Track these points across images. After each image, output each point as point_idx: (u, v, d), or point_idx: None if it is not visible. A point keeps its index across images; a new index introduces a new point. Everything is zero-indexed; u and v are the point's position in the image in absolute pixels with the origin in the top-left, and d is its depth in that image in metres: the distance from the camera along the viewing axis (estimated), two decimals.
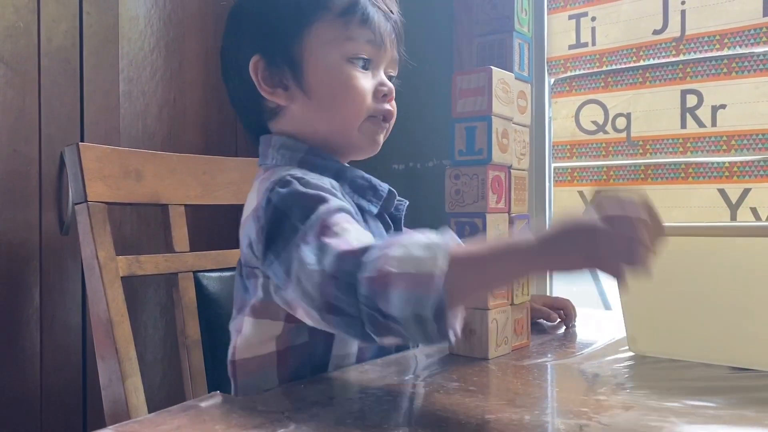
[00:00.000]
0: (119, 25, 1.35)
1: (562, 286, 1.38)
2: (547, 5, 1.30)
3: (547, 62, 1.30)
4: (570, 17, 1.27)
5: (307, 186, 0.68)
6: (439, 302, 0.53)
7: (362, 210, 0.76)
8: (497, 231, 0.77)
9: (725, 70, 1.10)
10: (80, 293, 1.26)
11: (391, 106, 0.81)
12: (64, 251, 1.24)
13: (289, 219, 0.66)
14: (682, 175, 1.14)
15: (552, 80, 1.30)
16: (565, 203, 1.28)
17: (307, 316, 0.63)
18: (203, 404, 0.57)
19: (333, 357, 0.74)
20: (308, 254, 0.61)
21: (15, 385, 1.19)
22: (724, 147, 1.10)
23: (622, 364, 0.74)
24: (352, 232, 0.62)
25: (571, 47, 1.27)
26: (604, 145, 1.23)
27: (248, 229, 0.71)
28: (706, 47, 1.12)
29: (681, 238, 0.72)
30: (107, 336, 0.93)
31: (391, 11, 0.80)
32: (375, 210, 0.78)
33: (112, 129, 1.33)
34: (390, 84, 0.80)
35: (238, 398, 0.59)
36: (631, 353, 0.78)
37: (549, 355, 0.79)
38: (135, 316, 1.32)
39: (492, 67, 0.75)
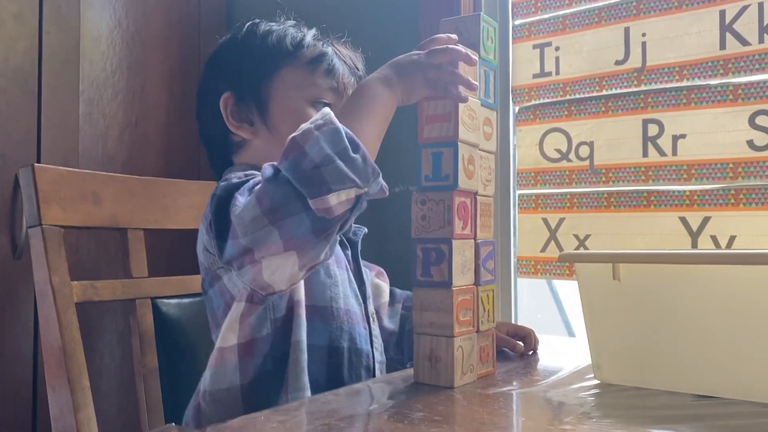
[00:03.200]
0: (81, 45, 1.33)
1: (527, 313, 1.38)
2: (512, 34, 1.31)
3: (512, 90, 1.31)
4: (534, 46, 1.28)
5: (247, 175, 0.73)
6: (344, 132, 0.63)
7: None
8: (463, 257, 0.77)
9: (685, 100, 1.13)
10: (33, 321, 1.22)
11: None
12: (17, 277, 1.20)
13: (230, 203, 0.68)
14: (644, 203, 1.16)
15: (517, 108, 1.31)
16: (529, 230, 1.28)
17: (266, 250, 0.64)
18: None
19: (293, 344, 0.77)
20: (248, 187, 0.68)
21: None
22: (685, 176, 1.12)
23: (587, 393, 0.73)
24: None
25: (535, 76, 1.28)
26: (567, 172, 1.24)
27: (200, 235, 0.76)
28: (666, 78, 1.14)
29: (644, 266, 0.73)
30: (59, 365, 0.89)
31: (356, 67, 0.89)
32: None
33: (71, 151, 1.30)
34: None
35: (190, 428, 0.56)
36: (596, 381, 0.78)
37: (515, 383, 0.78)
38: (90, 345, 1.27)
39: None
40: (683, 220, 1.12)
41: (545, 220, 1.27)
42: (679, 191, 1.13)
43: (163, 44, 1.48)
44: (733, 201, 1.08)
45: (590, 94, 1.22)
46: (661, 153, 1.14)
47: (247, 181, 0.71)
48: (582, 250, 0.88)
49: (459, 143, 0.75)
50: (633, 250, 1.08)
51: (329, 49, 0.88)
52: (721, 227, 1.09)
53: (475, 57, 0.77)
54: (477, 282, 0.80)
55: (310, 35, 0.89)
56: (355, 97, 0.73)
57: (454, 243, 0.75)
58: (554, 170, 1.26)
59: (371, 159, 0.65)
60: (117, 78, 1.39)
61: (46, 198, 0.92)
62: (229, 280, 0.76)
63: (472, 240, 0.79)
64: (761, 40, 1.07)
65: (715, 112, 1.10)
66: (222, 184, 0.73)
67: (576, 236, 1.23)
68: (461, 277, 0.76)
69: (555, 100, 1.26)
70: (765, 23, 1.06)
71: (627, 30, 1.18)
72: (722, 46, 1.10)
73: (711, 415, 0.64)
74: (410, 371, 0.79)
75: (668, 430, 0.59)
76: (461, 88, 0.73)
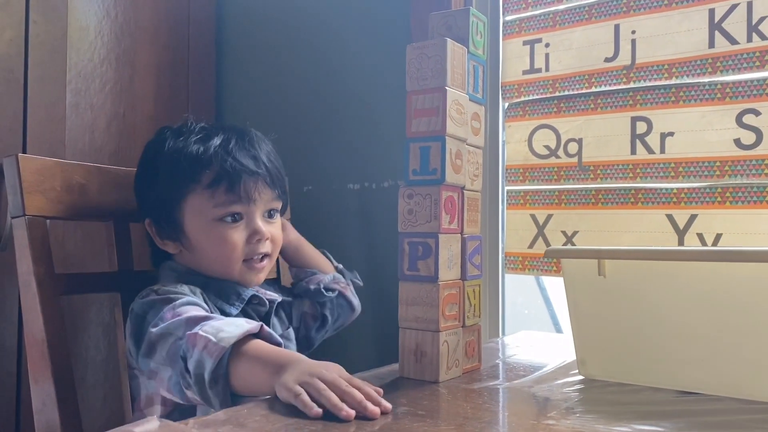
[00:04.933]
0: (68, 35, 1.31)
1: (514, 309, 1.39)
2: (503, 30, 1.31)
3: (502, 86, 1.31)
4: (524, 43, 1.28)
5: (161, 293, 0.84)
6: (216, 370, 0.68)
7: (224, 312, 0.90)
8: (450, 252, 0.76)
9: (673, 98, 1.13)
10: (17, 313, 1.21)
11: (266, 247, 0.93)
12: (0, 268, 1.19)
13: (145, 320, 0.82)
14: (632, 200, 1.16)
15: (506, 104, 1.31)
16: (517, 226, 1.28)
17: (167, 380, 0.78)
18: (137, 429, 0.54)
19: None
20: (166, 327, 0.77)
21: None
22: (672, 173, 1.12)
23: (572, 388, 0.73)
24: (192, 312, 0.78)
25: (525, 72, 1.28)
26: (556, 169, 1.24)
27: (126, 341, 0.88)
28: (655, 76, 1.14)
29: (629, 262, 0.73)
30: (42, 357, 0.88)
31: (257, 160, 0.93)
32: (235, 311, 0.92)
33: (57, 142, 1.29)
34: (262, 230, 0.92)
35: (174, 423, 0.56)
36: (580, 377, 0.78)
37: (500, 378, 0.78)
38: (76, 337, 1.27)
39: (447, 87, 0.75)
40: (670, 217, 1.13)
41: (533, 216, 1.27)
42: (666, 189, 1.13)
43: (151, 35, 1.47)
44: (719, 199, 1.08)
45: (579, 91, 1.22)
46: (649, 150, 1.15)
47: (163, 308, 0.81)
48: (568, 246, 0.88)
49: (447, 137, 0.75)
50: (620, 246, 1.08)
51: (228, 164, 0.90)
52: (708, 225, 1.09)
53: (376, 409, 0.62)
54: (463, 277, 0.80)
55: (212, 148, 0.91)
56: (267, 364, 0.69)
57: (441, 237, 0.75)
58: (543, 167, 1.26)
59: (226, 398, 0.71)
60: (105, 68, 1.38)
61: (30, 188, 0.91)
62: (146, 381, 0.86)
63: (459, 234, 0.79)
64: (750, 39, 1.07)
65: (703, 110, 1.10)
66: (140, 301, 0.85)
67: (564, 233, 1.23)
68: (447, 272, 0.76)
69: (544, 96, 1.26)
70: (753, 22, 1.07)
71: (617, 27, 1.18)
72: (711, 44, 1.10)
73: (693, 411, 0.64)
74: (395, 366, 0.79)
75: (650, 425, 0.59)
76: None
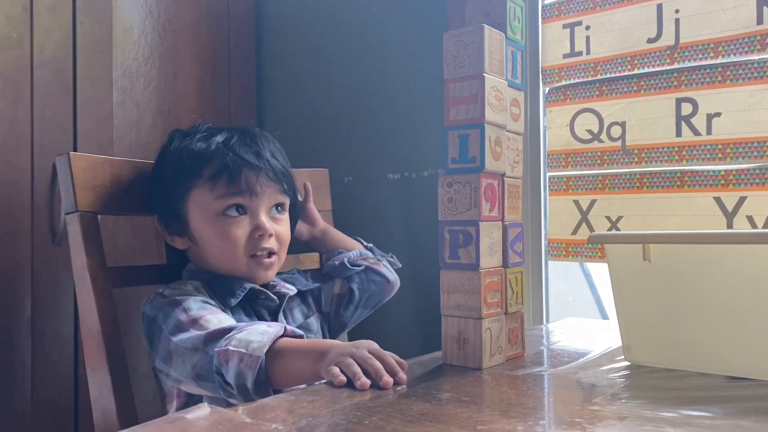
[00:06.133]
0: (113, 35, 1.35)
1: (558, 296, 1.38)
2: (542, 14, 1.30)
3: (542, 71, 1.29)
4: (564, 26, 1.26)
5: (167, 296, 0.88)
6: (258, 378, 0.72)
7: (225, 304, 0.92)
8: (491, 239, 0.76)
9: (720, 78, 1.10)
10: (72, 304, 1.25)
11: (271, 243, 0.95)
12: (57, 262, 1.23)
13: (155, 322, 0.87)
14: (678, 183, 1.14)
15: (547, 89, 1.30)
16: (560, 212, 1.27)
17: (187, 387, 0.84)
18: (189, 416, 0.56)
19: None
20: (185, 340, 0.81)
21: (5, 398, 1.18)
22: (720, 155, 1.10)
23: (617, 374, 0.73)
24: (212, 321, 0.82)
25: (565, 56, 1.26)
26: (599, 153, 1.22)
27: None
28: (700, 55, 1.12)
29: (675, 246, 0.72)
30: (98, 348, 0.91)
31: (259, 155, 0.94)
32: (235, 301, 0.93)
33: (105, 139, 1.33)
34: (265, 225, 0.93)
35: (225, 410, 0.58)
36: (626, 363, 0.77)
37: (544, 365, 0.78)
38: (129, 328, 1.31)
39: (485, 74, 0.75)
40: (718, 200, 1.10)
41: (576, 202, 1.25)
42: (713, 171, 1.11)
43: (193, 32, 1.50)
44: None
45: (622, 74, 1.20)
46: (695, 132, 1.12)
47: (173, 310, 0.85)
48: (612, 232, 0.87)
49: (485, 125, 0.75)
50: (658, 230, 1.06)
51: (228, 157, 0.92)
52: (758, 207, 1.06)
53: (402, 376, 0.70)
54: (505, 264, 0.80)
55: (214, 144, 0.94)
56: (304, 353, 0.74)
57: (481, 225, 0.75)
58: (585, 151, 1.24)
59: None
60: (149, 67, 1.41)
61: (81, 185, 0.94)
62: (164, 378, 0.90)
63: (500, 222, 0.79)
64: None
65: (751, 89, 1.07)
66: (150, 304, 0.90)
67: (608, 218, 1.21)
68: (489, 259, 0.76)
69: (586, 80, 1.24)
70: None
71: (660, 7, 1.16)
72: (759, 20, 1.07)
73: (743, 396, 0.63)
74: (438, 354, 0.79)
75: (699, 411, 0.58)
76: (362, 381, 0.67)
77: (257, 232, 0.93)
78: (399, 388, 0.67)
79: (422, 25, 1.40)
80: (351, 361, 0.69)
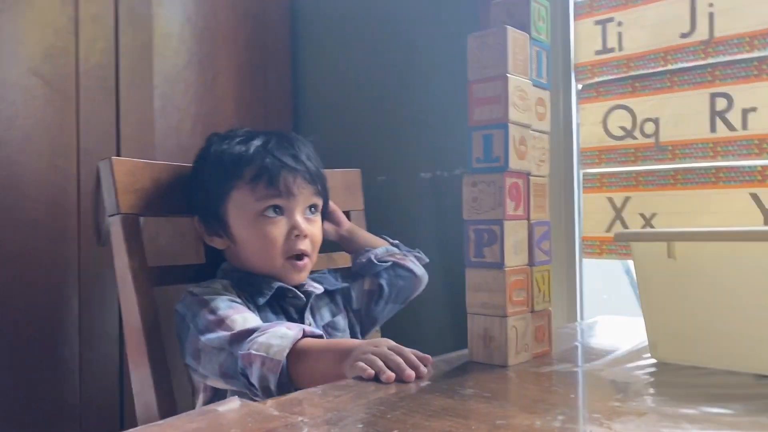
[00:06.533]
0: (153, 42, 1.39)
1: (592, 294, 1.37)
2: (574, 11, 1.29)
3: (574, 68, 1.29)
4: (596, 23, 1.26)
5: (197, 295, 0.93)
6: (280, 380, 0.77)
7: (254, 302, 0.96)
8: (515, 238, 0.77)
9: (755, 72, 1.08)
10: (117, 303, 1.30)
11: (305, 244, 0.99)
12: (102, 262, 1.28)
13: (185, 320, 0.92)
14: (713, 179, 1.12)
15: (579, 86, 1.29)
16: (594, 209, 1.27)
17: (215, 383, 0.90)
18: (221, 408, 0.59)
19: None
20: (212, 340, 0.85)
21: (55, 393, 1.23)
22: (756, 150, 1.08)
23: (642, 371, 0.73)
24: (238, 321, 0.86)
25: (597, 53, 1.26)
26: (632, 150, 1.22)
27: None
28: (735, 49, 1.10)
29: (700, 244, 0.72)
30: (139, 344, 0.95)
31: (296, 158, 0.98)
32: (263, 300, 0.97)
33: (148, 143, 1.38)
34: (301, 225, 0.98)
35: (255, 403, 0.60)
36: (653, 360, 0.77)
37: (570, 363, 0.78)
38: (170, 325, 1.35)
39: (508, 74, 0.76)
40: (755, 196, 1.08)
41: (610, 200, 1.25)
42: (749, 167, 1.09)
43: (230, 37, 1.54)
44: None
45: (654, 69, 1.19)
46: (730, 127, 1.10)
47: (201, 309, 0.90)
48: (639, 229, 0.86)
49: (509, 124, 0.76)
50: (691, 227, 1.05)
51: (267, 160, 0.96)
52: None
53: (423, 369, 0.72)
54: (531, 262, 0.80)
55: (252, 148, 0.97)
56: (326, 352, 0.79)
57: (506, 224, 0.76)
58: (619, 148, 1.24)
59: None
60: (188, 72, 1.46)
61: (123, 188, 0.98)
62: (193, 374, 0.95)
63: (525, 220, 0.80)
64: None
65: None
66: (182, 302, 0.94)
67: (642, 215, 1.20)
68: (514, 258, 0.77)
69: (618, 76, 1.23)
70: None
71: (693, 1, 1.14)
72: None
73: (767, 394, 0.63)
74: (465, 351, 0.81)
75: (721, 408, 0.58)
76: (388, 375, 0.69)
77: (294, 233, 0.97)
78: (423, 384, 0.68)
79: (453, 26, 1.41)
80: (374, 357, 0.71)
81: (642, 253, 0.76)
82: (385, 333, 1.25)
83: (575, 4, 1.29)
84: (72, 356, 1.26)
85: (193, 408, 0.97)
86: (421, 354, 0.74)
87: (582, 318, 1.30)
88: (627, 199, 1.23)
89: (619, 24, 1.23)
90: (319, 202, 1.03)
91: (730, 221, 1.10)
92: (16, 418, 1.18)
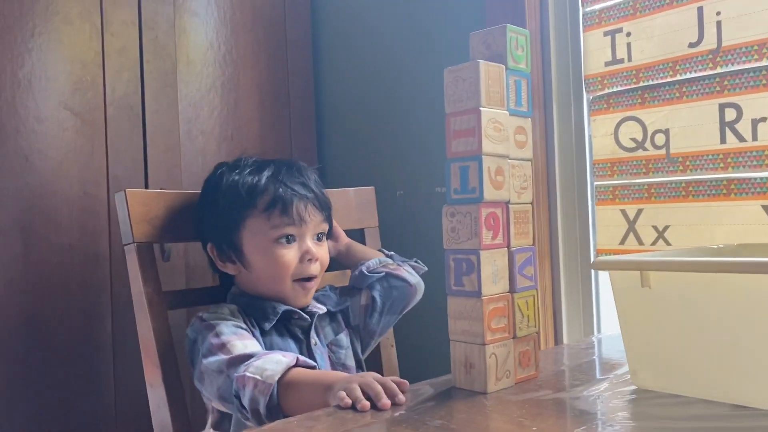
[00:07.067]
0: (177, 69, 1.46)
1: (609, 306, 1.36)
2: (583, 22, 1.28)
3: (585, 80, 1.28)
4: (605, 34, 1.25)
5: (205, 320, 0.98)
6: (269, 403, 0.81)
7: (260, 327, 1.01)
8: (494, 266, 0.79)
9: (765, 81, 1.05)
10: None
11: (315, 269, 1.04)
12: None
13: (195, 344, 0.97)
14: (724, 191, 1.10)
15: (590, 97, 1.28)
16: (608, 222, 1.26)
17: (216, 405, 0.94)
18: None
19: None
20: (212, 363, 0.90)
21: (91, 409, 1.31)
22: (767, 161, 1.05)
23: (621, 399, 0.73)
24: (238, 346, 0.91)
25: (607, 64, 1.25)
26: (644, 162, 1.20)
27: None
28: (744, 58, 1.07)
29: (684, 274, 0.71)
30: (154, 365, 1.01)
31: (306, 186, 1.04)
32: (269, 326, 1.01)
33: (174, 167, 1.45)
34: (313, 250, 1.03)
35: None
36: (634, 387, 0.77)
37: (551, 389, 0.79)
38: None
39: (481, 108, 0.77)
40: (767, 208, 1.06)
41: (623, 212, 1.24)
42: (761, 178, 1.06)
43: (251, 61, 1.59)
44: None
45: (664, 80, 1.17)
46: (740, 138, 1.08)
47: (208, 335, 0.95)
48: (614, 257, 0.85)
49: (483, 156, 0.77)
50: (695, 245, 1.03)
51: (280, 190, 1.01)
52: None
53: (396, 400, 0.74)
54: (512, 289, 0.81)
55: (264, 178, 1.02)
56: (315, 384, 0.82)
57: (482, 253, 0.77)
58: (630, 160, 1.22)
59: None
60: (212, 96, 1.52)
61: (137, 218, 1.04)
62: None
63: (505, 248, 0.81)
64: None
65: None
66: (192, 327, 0.99)
67: (655, 227, 1.19)
68: (492, 287, 0.78)
69: (628, 87, 1.22)
70: None
71: (700, 10, 1.12)
72: None
73: (745, 428, 0.63)
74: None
75: None
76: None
77: (306, 257, 1.03)
78: (397, 413, 0.71)
79: (462, 43, 1.42)
80: (355, 386, 0.75)
81: (619, 280, 0.76)
82: (399, 347, 1.28)
83: (584, 15, 1.28)
84: (107, 373, 1.33)
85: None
86: (398, 380, 0.77)
87: (599, 331, 1.30)
88: (640, 211, 1.21)
89: (628, 35, 1.22)
90: (326, 228, 1.08)
91: (743, 233, 1.08)
92: None
